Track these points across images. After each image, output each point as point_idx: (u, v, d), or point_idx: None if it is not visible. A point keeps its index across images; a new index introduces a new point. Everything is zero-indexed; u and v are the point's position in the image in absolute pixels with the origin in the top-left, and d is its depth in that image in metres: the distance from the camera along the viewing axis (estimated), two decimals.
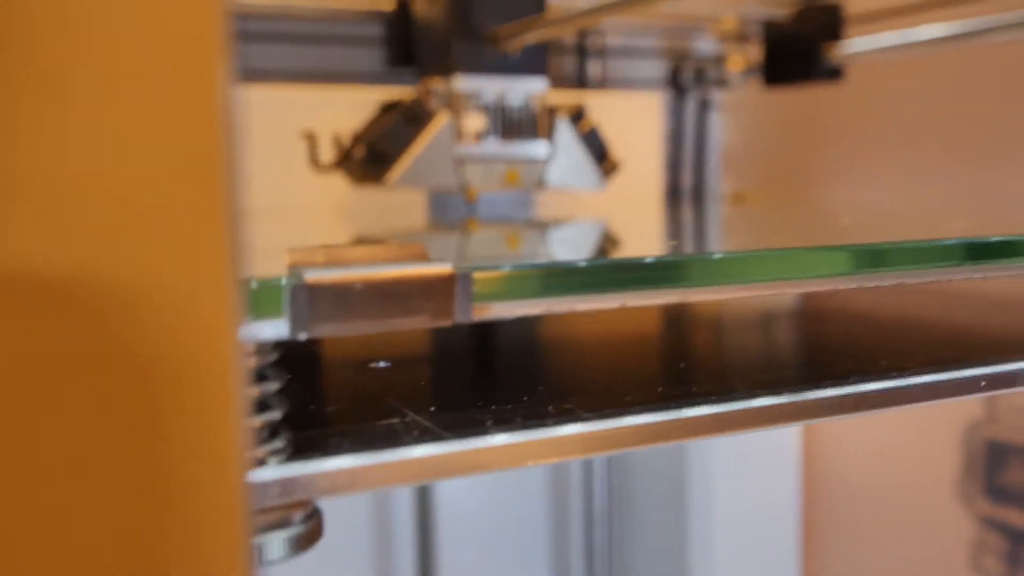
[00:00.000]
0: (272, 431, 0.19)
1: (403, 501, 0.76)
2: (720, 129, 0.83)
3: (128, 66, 0.15)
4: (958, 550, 0.65)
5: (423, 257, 0.18)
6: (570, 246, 0.46)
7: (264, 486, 0.17)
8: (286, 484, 0.17)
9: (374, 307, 0.17)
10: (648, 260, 0.24)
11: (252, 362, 0.18)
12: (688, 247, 0.46)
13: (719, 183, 0.83)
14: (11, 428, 0.14)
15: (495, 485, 0.83)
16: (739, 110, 0.82)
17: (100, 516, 0.14)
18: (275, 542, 0.16)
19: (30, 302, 0.13)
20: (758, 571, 0.75)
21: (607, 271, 0.22)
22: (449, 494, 0.80)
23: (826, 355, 0.35)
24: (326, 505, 0.19)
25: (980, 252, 0.30)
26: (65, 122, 0.14)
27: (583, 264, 0.22)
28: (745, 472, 0.74)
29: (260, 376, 0.19)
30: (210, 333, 0.13)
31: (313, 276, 0.16)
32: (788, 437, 0.75)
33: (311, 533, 0.17)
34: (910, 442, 0.68)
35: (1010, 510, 0.61)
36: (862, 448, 0.73)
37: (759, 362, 0.34)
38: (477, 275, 0.18)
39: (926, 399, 0.29)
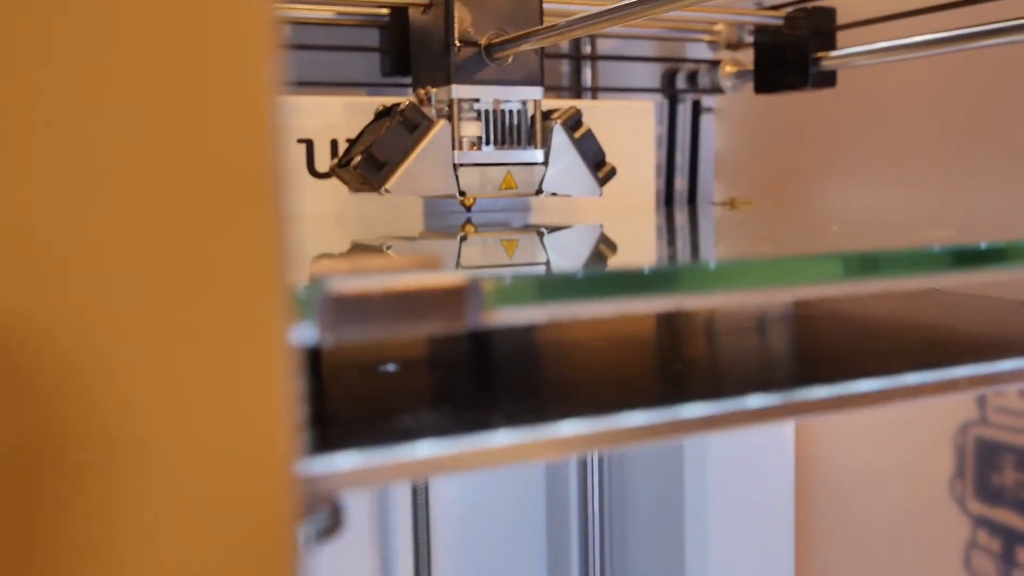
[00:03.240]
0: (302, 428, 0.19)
1: (401, 503, 0.76)
2: (714, 134, 0.84)
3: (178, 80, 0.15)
4: (951, 549, 0.66)
5: (437, 268, 0.19)
6: (565, 252, 0.47)
7: (306, 480, 0.17)
8: (316, 479, 0.18)
9: (393, 314, 0.18)
10: (644, 270, 0.25)
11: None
12: (681, 252, 0.46)
13: (712, 188, 0.84)
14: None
15: (491, 486, 0.83)
16: (732, 115, 0.83)
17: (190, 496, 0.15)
18: (303, 531, 0.17)
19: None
20: (752, 569, 0.76)
21: (604, 280, 0.23)
22: (445, 496, 0.80)
23: (815, 356, 0.36)
24: None
25: (962, 259, 0.31)
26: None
27: (582, 274, 0.23)
28: (740, 472, 0.75)
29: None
30: (271, 334, 0.13)
31: (339, 287, 0.17)
32: (783, 438, 0.76)
33: (334, 526, 0.17)
34: (903, 443, 0.69)
35: (1001, 510, 0.62)
36: (856, 449, 0.73)
37: (752, 363, 0.35)
38: (487, 285, 0.19)
39: (909, 398, 0.30)
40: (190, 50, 0.15)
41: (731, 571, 0.74)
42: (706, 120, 0.83)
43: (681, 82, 0.79)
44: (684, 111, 0.81)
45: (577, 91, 0.76)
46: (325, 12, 0.61)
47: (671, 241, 0.52)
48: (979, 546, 0.64)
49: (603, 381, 0.29)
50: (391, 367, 0.29)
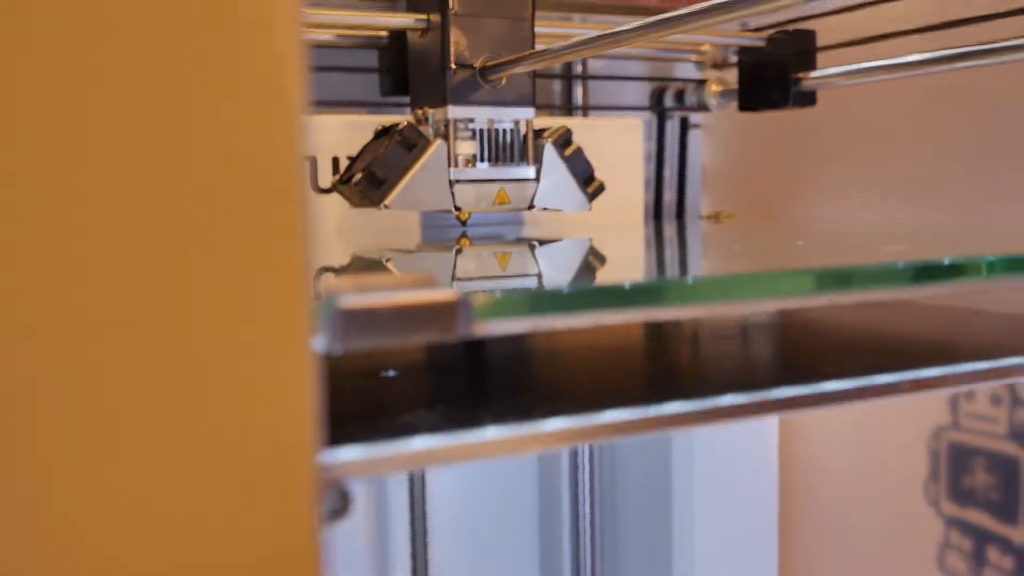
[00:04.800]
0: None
1: (399, 500, 0.79)
2: (702, 149, 0.87)
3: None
4: (925, 549, 0.69)
5: (433, 285, 0.21)
6: (554, 264, 0.50)
7: (326, 472, 0.20)
8: (327, 468, 0.21)
9: (394, 326, 0.21)
10: (625, 285, 0.27)
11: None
12: (664, 265, 0.49)
13: (700, 201, 0.87)
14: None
15: (485, 479, 0.86)
16: (719, 132, 0.86)
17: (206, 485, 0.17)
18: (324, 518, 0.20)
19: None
20: (737, 563, 0.78)
21: (586, 295, 0.26)
22: (441, 490, 0.83)
23: (788, 359, 0.39)
24: None
25: (923, 274, 0.34)
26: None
27: (566, 289, 0.26)
28: (725, 474, 0.78)
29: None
30: (298, 343, 0.16)
31: (348, 302, 0.20)
32: (766, 441, 0.79)
33: (340, 510, 0.20)
34: (880, 447, 0.72)
35: (973, 511, 0.65)
36: (836, 453, 0.76)
37: (727, 366, 0.38)
38: (476, 299, 0.22)
39: (874, 397, 0.33)
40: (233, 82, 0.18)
41: (716, 563, 0.77)
42: (694, 136, 0.86)
43: (669, 100, 0.82)
44: (672, 128, 0.84)
45: (569, 109, 0.79)
46: (326, 34, 0.65)
47: (655, 254, 0.55)
48: (952, 545, 0.67)
49: (584, 382, 0.32)
50: (392, 373, 0.32)
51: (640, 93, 0.83)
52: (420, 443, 0.22)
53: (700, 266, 0.51)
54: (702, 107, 0.79)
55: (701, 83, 0.78)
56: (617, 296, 0.27)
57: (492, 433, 0.23)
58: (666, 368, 0.39)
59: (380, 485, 0.78)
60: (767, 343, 0.46)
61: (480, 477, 0.85)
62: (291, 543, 0.17)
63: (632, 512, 0.85)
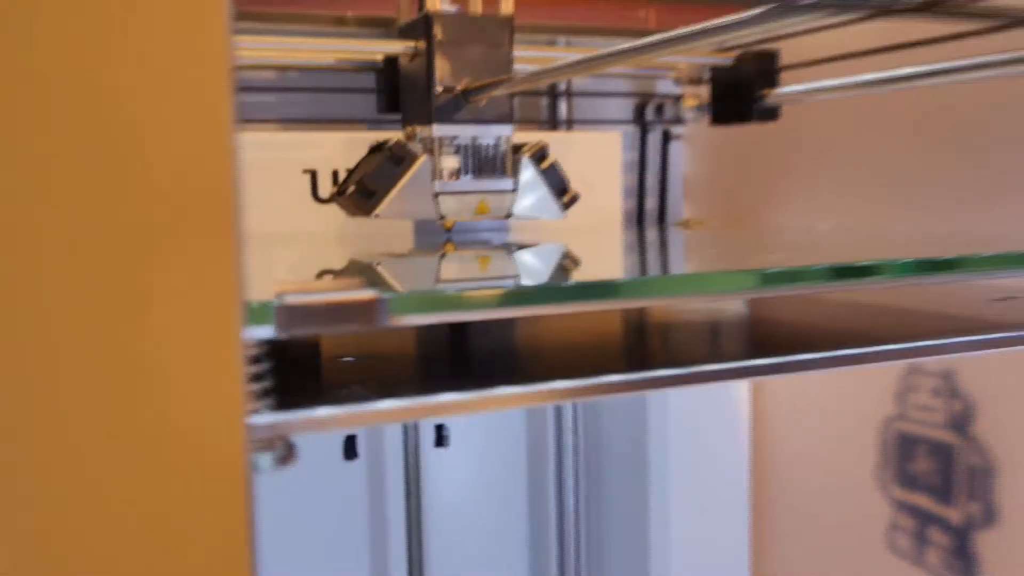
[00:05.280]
0: (264, 393, 0.29)
1: (396, 487, 0.86)
2: (683, 159, 0.93)
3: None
4: (876, 529, 0.74)
5: (358, 287, 0.28)
6: (525, 267, 0.56)
7: (258, 427, 0.27)
8: (271, 426, 0.27)
9: (326, 319, 0.27)
10: (518, 285, 0.34)
11: (253, 351, 0.28)
12: (613, 267, 0.56)
13: (682, 207, 0.93)
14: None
15: (479, 469, 0.93)
16: (700, 142, 0.92)
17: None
18: (265, 459, 0.26)
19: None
20: (710, 528, 0.85)
21: (475, 296, 0.32)
22: (436, 459, 0.90)
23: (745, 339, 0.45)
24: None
25: (845, 273, 0.40)
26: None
27: (455, 290, 0.33)
28: (699, 449, 0.84)
29: (256, 359, 0.29)
30: (229, 333, 0.22)
31: (289, 300, 0.27)
32: (737, 423, 0.85)
33: (286, 457, 0.27)
34: (838, 435, 0.78)
35: (917, 495, 0.71)
36: (800, 439, 0.82)
37: (694, 344, 0.44)
38: (391, 299, 0.28)
39: (815, 368, 0.39)
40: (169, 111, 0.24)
41: (690, 530, 0.83)
42: (675, 147, 0.92)
43: (650, 114, 0.88)
44: (654, 139, 0.90)
45: (554, 124, 0.85)
46: (327, 59, 0.72)
47: (621, 256, 0.61)
48: (899, 527, 0.73)
49: (549, 362, 0.39)
50: (350, 359, 0.38)
51: (624, 107, 0.89)
52: (331, 411, 0.29)
53: (623, 269, 0.57)
54: (679, 120, 0.85)
55: (678, 99, 0.84)
56: (512, 295, 0.33)
57: (386, 405, 0.30)
58: (637, 349, 0.45)
59: (378, 463, 0.85)
60: (709, 331, 0.52)
61: (475, 436, 0.91)
62: (226, 485, 0.23)
63: (614, 483, 0.91)
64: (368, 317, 0.27)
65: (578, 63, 0.55)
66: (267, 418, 0.27)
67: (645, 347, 0.49)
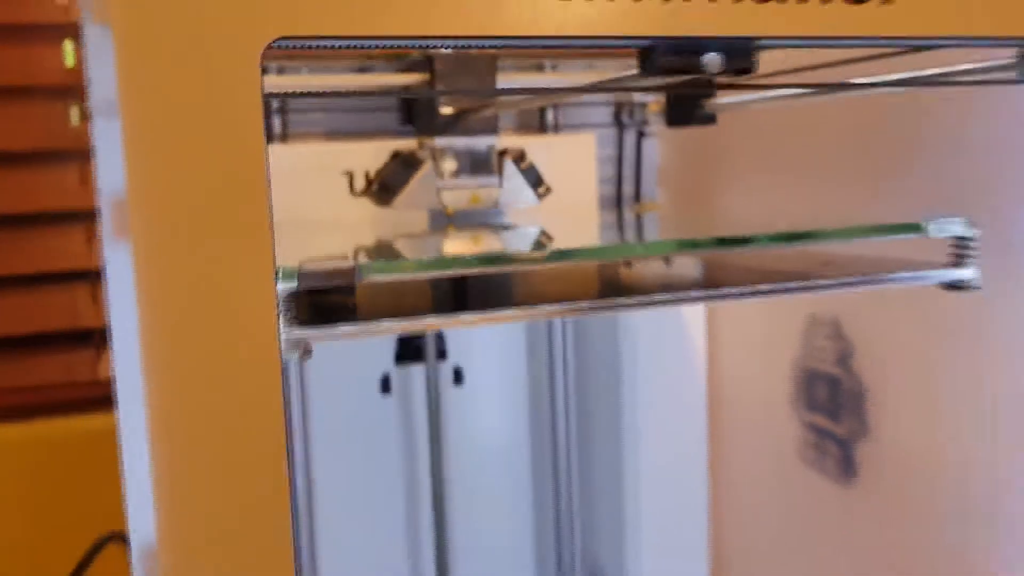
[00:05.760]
0: (293, 319, 0.51)
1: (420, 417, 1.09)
2: (658, 153, 1.13)
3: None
4: (791, 443, 0.95)
5: (345, 259, 0.50)
6: (490, 241, 0.78)
7: (288, 340, 0.49)
8: (297, 340, 0.49)
9: (324, 278, 0.49)
10: (466, 257, 0.55)
11: (288, 295, 0.50)
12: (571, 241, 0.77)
13: (656, 194, 1.13)
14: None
15: (489, 403, 1.15)
16: (673, 139, 1.13)
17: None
18: (292, 355, 0.48)
19: None
20: (673, 441, 1.06)
21: (434, 262, 0.54)
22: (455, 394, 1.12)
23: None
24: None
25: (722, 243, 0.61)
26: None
27: (417, 260, 0.54)
28: (664, 379, 1.05)
29: (290, 299, 0.51)
30: (267, 280, 0.44)
31: (307, 267, 0.48)
32: (695, 355, 1.05)
33: (306, 353, 0.48)
34: (764, 370, 0.98)
35: (817, 416, 0.91)
36: (740, 372, 1.03)
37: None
38: (361, 266, 0.50)
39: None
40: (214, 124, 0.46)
41: (655, 428, 1.05)
42: (648, 144, 1.12)
43: (625, 117, 1.09)
44: (630, 138, 1.11)
45: (543, 128, 1.06)
46: (364, 83, 0.94)
47: (572, 232, 0.83)
48: (807, 442, 0.93)
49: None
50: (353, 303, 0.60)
51: (604, 112, 1.10)
52: (346, 328, 0.51)
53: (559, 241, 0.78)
54: (647, 122, 1.06)
55: (644, 106, 1.05)
56: (453, 263, 0.54)
57: (388, 325, 0.51)
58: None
59: (407, 398, 1.08)
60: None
61: (486, 385, 1.14)
62: (268, 375, 0.45)
63: (597, 408, 1.13)
64: (348, 277, 0.49)
65: (553, 90, 0.76)
66: (294, 333, 0.49)
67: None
